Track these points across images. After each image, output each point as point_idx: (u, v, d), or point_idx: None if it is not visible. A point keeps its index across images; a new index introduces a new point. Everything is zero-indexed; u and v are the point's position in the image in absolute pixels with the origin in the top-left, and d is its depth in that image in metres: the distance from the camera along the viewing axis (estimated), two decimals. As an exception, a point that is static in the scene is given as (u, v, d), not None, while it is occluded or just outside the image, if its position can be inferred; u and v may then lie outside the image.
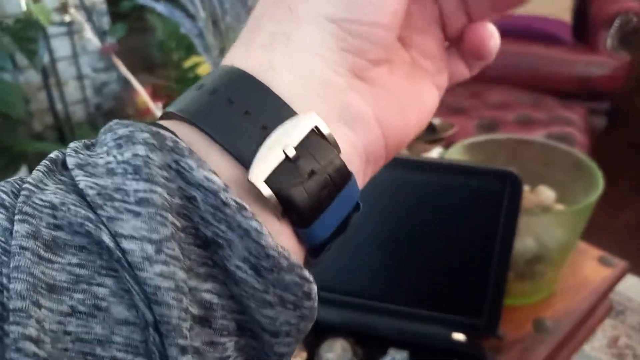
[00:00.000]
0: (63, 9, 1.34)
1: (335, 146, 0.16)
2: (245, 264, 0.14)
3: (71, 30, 1.44)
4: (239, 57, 0.17)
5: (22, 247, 0.13)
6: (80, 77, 1.56)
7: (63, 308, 0.13)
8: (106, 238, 0.14)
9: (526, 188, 0.64)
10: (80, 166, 0.15)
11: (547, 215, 0.58)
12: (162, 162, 0.14)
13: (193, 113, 0.16)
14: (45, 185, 0.15)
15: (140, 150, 0.14)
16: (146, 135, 0.15)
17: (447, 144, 0.77)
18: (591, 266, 0.68)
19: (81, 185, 0.14)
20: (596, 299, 0.64)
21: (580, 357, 1.12)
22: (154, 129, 0.15)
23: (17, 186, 0.15)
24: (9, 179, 0.16)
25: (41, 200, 0.14)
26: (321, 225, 0.16)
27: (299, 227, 0.16)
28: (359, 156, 0.18)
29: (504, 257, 0.51)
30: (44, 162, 0.16)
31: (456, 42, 0.22)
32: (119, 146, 0.15)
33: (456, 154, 0.62)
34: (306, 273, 0.15)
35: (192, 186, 0.14)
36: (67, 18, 1.37)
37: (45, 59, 1.43)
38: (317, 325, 0.51)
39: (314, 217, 0.16)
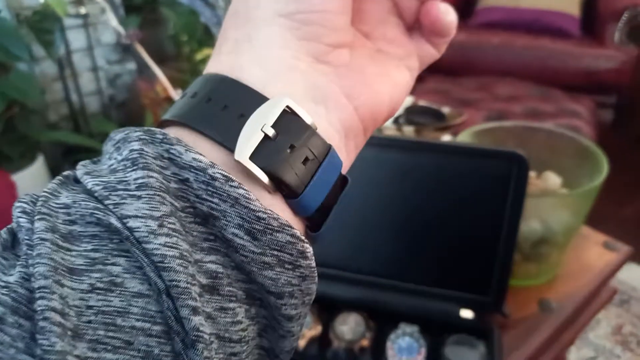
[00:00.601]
0: (79, 1, 1.37)
1: (308, 122, 0.18)
2: (240, 230, 0.16)
3: (86, 22, 1.46)
4: (212, 66, 0.19)
5: (42, 239, 0.15)
6: (94, 69, 1.59)
7: (83, 286, 0.15)
8: (114, 220, 0.15)
9: (533, 174, 0.66)
10: (88, 174, 0.17)
11: (552, 199, 0.60)
12: (155, 153, 0.16)
13: (179, 115, 0.18)
14: (60, 193, 0.17)
15: (135, 145, 0.16)
16: (139, 133, 0.17)
17: (456, 131, 0.79)
18: (595, 250, 0.69)
19: (89, 185, 0.16)
20: (600, 282, 0.66)
21: (585, 344, 1.14)
22: (145, 128, 0.17)
23: (36, 196, 0.17)
24: (28, 193, 0.17)
25: (56, 203, 0.16)
26: (310, 194, 0.18)
27: (290, 199, 0.17)
28: (336, 131, 0.19)
29: (510, 237, 0.53)
30: (58, 177, 0.18)
31: (417, 26, 0.23)
32: (118, 149, 0.17)
33: (465, 140, 0.64)
34: (297, 232, 0.16)
35: (184, 169, 0.16)
36: (82, 10, 1.40)
37: (61, 50, 1.46)
38: (332, 301, 0.54)
39: (301, 187, 0.17)
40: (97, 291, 0.15)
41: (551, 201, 0.59)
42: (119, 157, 0.17)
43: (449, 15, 0.21)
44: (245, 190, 0.16)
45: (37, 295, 0.14)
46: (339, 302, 0.55)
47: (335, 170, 0.18)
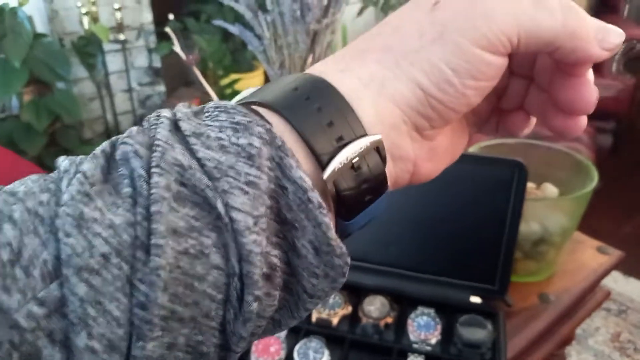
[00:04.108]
0: (118, 28, 1.49)
1: (384, 169, 0.20)
2: (309, 245, 0.18)
3: (124, 47, 1.59)
4: (333, 75, 0.20)
5: (162, 197, 0.16)
6: (128, 90, 1.71)
7: (179, 248, 0.16)
8: (220, 206, 0.17)
9: (533, 185, 0.74)
10: (196, 135, 0.18)
11: (548, 202, 0.69)
12: (269, 155, 0.17)
13: (289, 112, 0.19)
14: (173, 146, 0.17)
15: (256, 142, 0.17)
16: (261, 130, 0.18)
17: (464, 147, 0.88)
18: (590, 253, 0.76)
19: (199, 154, 0.17)
20: (593, 280, 0.73)
21: (585, 349, 1.21)
22: (267, 125, 0.18)
23: (148, 139, 0.18)
24: (137, 131, 0.18)
25: (172, 158, 0.17)
26: (355, 222, 0.20)
27: (341, 219, 0.20)
28: (389, 183, 0.21)
29: (512, 234, 0.61)
30: (165, 120, 0.18)
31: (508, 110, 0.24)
32: (235, 130, 0.18)
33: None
34: (349, 260, 0.19)
35: (287, 180, 0.17)
36: (121, 36, 1.52)
37: (101, 72, 1.58)
38: (360, 287, 0.63)
39: (354, 215, 0.20)
40: (189, 255, 0.16)
41: (548, 204, 0.68)
42: (233, 139, 0.18)
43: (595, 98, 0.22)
44: (329, 220, 0.18)
45: (154, 251, 0.16)
46: (367, 288, 0.63)
47: (379, 210, 0.21)
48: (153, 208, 0.16)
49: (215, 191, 0.17)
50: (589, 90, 0.21)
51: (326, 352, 0.56)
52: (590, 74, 0.21)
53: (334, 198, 0.19)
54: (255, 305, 0.17)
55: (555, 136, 0.23)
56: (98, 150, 0.18)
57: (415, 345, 0.58)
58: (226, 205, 0.17)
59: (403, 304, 0.62)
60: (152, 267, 0.16)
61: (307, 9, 0.67)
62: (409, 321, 0.59)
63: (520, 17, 0.19)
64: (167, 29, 0.81)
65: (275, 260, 0.18)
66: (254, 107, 0.19)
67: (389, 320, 0.60)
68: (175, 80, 1.76)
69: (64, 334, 0.15)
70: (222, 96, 1.58)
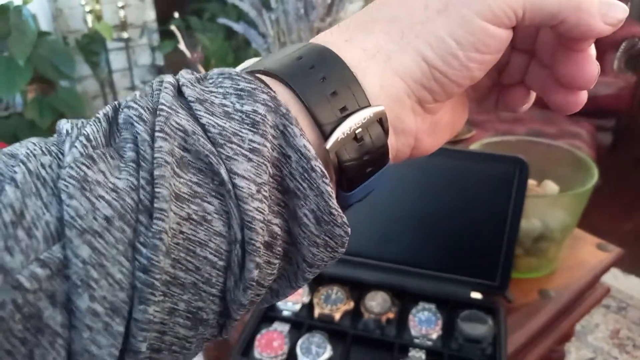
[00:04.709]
0: (122, 26, 1.50)
1: (386, 141, 0.20)
2: (311, 214, 0.18)
3: (127, 45, 1.59)
4: (338, 45, 0.20)
5: (165, 162, 0.16)
6: (132, 88, 1.72)
7: (182, 214, 0.16)
8: (223, 172, 0.17)
9: (534, 182, 0.75)
10: (200, 101, 0.17)
11: (549, 198, 0.69)
12: (273, 122, 0.17)
13: (293, 80, 0.19)
14: (177, 111, 0.17)
15: (261, 109, 0.17)
16: (266, 97, 0.17)
17: (466, 145, 0.89)
18: (590, 250, 0.77)
19: (203, 120, 0.17)
20: (593, 276, 0.73)
21: (585, 345, 1.22)
22: (272, 93, 0.18)
23: (151, 104, 0.17)
24: (142, 95, 0.18)
25: (176, 123, 0.17)
26: (356, 193, 0.20)
27: (342, 191, 0.20)
28: (391, 156, 0.21)
29: (513, 230, 0.62)
30: (168, 85, 0.18)
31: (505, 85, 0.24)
32: (240, 97, 0.17)
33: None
34: (349, 230, 0.19)
35: (291, 148, 0.17)
36: (124, 34, 1.53)
37: (105, 70, 1.59)
38: (362, 283, 0.63)
39: (355, 186, 0.20)
40: (191, 221, 0.16)
41: (548, 201, 0.69)
42: (237, 106, 0.17)
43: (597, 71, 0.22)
44: (331, 189, 0.18)
45: (157, 215, 0.16)
46: (369, 284, 0.64)
47: (380, 183, 0.21)
48: (156, 172, 0.16)
49: (219, 157, 0.17)
50: (591, 65, 0.21)
51: (328, 347, 0.57)
52: (592, 49, 0.21)
53: (336, 168, 0.19)
54: (255, 272, 0.17)
55: (556, 111, 0.23)
56: (101, 113, 0.18)
57: (416, 340, 0.58)
58: (230, 171, 0.17)
59: (404, 300, 0.63)
60: (155, 230, 0.16)
61: (311, 7, 0.68)
62: (411, 316, 0.60)
63: None
64: (172, 27, 0.81)
65: (277, 229, 0.18)
66: (258, 75, 0.19)
67: (391, 315, 0.60)
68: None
69: (66, 296, 0.15)
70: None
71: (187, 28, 1.70)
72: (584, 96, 0.22)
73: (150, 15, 1.67)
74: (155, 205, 0.16)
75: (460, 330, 0.58)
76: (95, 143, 0.17)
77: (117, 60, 1.63)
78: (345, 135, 0.18)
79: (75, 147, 0.16)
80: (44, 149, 0.17)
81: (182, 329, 0.17)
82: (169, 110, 0.17)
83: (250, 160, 0.17)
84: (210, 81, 0.19)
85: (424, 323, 0.59)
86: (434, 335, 0.58)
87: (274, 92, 0.18)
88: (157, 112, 0.17)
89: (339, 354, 0.57)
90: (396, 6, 0.20)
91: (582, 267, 0.74)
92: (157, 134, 0.16)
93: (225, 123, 0.17)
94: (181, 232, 0.16)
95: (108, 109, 0.18)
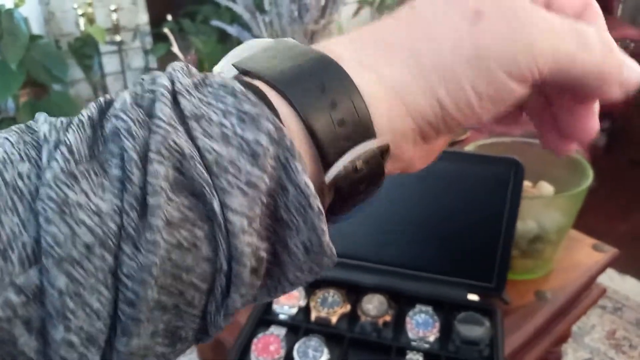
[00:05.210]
0: (115, 30, 1.49)
1: (383, 171, 0.19)
2: (301, 245, 0.17)
3: (120, 49, 1.59)
4: (353, 66, 0.18)
5: (161, 188, 0.15)
6: (125, 91, 1.71)
7: (173, 241, 0.15)
8: (216, 205, 0.16)
9: (529, 183, 0.75)
10: (196, 118, 0.16)
11: (544, 200, 0.69)
12: (275, 153, 0.16)
13: (300, 102, 0.17)
14: (176, 127, 0.16)
15: (264, 140, 0.16)
16: (271, 127, 0.16)
17: (461, 147, 0.89)
18: (585, 251, 0.77)
19: (199, 142, 0.16)
20: (589, 277, 0.74)
21: (581, 347, 1.22)
22: (277, 122, 0.16)
23: (142, 115, 0.16)
24: (132, 101, 0.16)
25: (174, 143, 0.16)
26: (344, 217, 0.20)
27: (331, 214, 0.19)
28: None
29: (509, 232, 0.62)
30: (163, 90, 0.16)
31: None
32: (242, 120, 0.16)
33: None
34: (336, 258, 0.18)
35: (290, 182, 0.17)
36: (117, 38, 1.52)
37: (97, 74, 1.58)
38: (359, 286, 0.63)
39: (345, 211, 0.19)
40: (180, 248, 0.16)
41: (544, 202, 0.69)
42: (238, 131, 0.16)
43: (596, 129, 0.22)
44: (325, 225, 0.17)
45: (148, 247, 0.15)
46: (366, 286, 0.64)
47: (363, 209, 0.20)
48: (151, 200, 0.15)
49: (214, 189, 0.16)
50: (592, 121, 0.21)
51: (325, 351, 0.57)
52: (596, 106, 0.21)
53: (329, 195, 0.18)
54: (239, 302, 0.17)
55: (544, 148, 0.23)
56: (85, 116, 0.17)
57: (413, 343, 0.58)
58: (223, 204, 0.16)
59: (401, 302, 0.63)
60: (145, 264, 0.15)
61: (305, 10, 0.68)
62: (407, 319, 0.60)
63: (559, 52, 0.18)
64: (165, 30, 0.81)
65: (264, 254, 0.17)
66: (257, 82, 0.18)
67: (388, 318, 0.60)
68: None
69: (42, 322, 0.15)
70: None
71: (180, 31, 1.70)
72: (574, 146, 0.22)
73: (143, 18, 1.66)
74: (148, 236, 0.15)
75: (458, 332, 0.58)
76: (77, 156, 0.16)
77: (110, 63, 1.62)
78: (346, 168, 0.18)
79: (56, 160, 0.15)
80: (22, 154, 0.16)
81: (161, 347, 0.17)
82: (168, 128, 0.16)
83: (245, 194, 0.16)
84: (210, 90, 0.17)
85: (421, 325, 0.59)
86: (431, 338, 0.58)
87: (280, 118, 0.17)
88: (153, 128, 0.16)
89: (336, 357, 0.57)
90: (422, 36, 0.19)
91: (578, 268, 0.74)
92: (153, 154, 0.15)
93: (222, 149, 0.16)
94: (169, 259, 0.15)
95: (93, 110, 0.17)
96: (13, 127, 0.17)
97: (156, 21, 1.65)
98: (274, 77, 0.18)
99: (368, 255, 0.66)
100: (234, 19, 1.58)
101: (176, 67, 0.18)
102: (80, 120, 0.16)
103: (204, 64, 1.66)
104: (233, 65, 0.20)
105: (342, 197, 0.19)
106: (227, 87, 0.17)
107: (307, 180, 0.17)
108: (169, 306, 0.16)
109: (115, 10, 1.54)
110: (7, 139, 0.16)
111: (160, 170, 0.15)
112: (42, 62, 1.29)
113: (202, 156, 0.16)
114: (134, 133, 0.16)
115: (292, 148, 0.17)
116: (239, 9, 0.73)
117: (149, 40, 1.70)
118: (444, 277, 0.64)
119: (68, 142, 0.16)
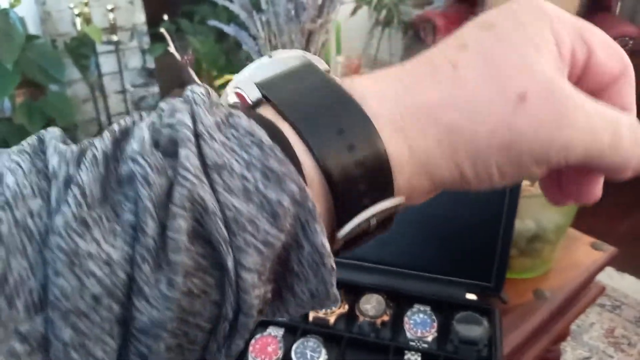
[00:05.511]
0: (111, 29, 1.49)
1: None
2: (308, 292, 0.18)
3: (117, 48, 1.58)
4: (387, 130, 0.18)
5: (185, 248, 0.15)
6: (122, 92, 1.71)
7: (184, 289, 0.15)
8: (230, 263, 0.16)
9: (527, 182, 0.75)
10: (218, 168, 0.16)
11: (542, 199, 0.69)
12: (295, 213, 0.16)
13: (328, 161, 0.17)
14: (202, 180, 0.15)
15: (286, 201, 0.16)
16: (295, 188, 0.16)
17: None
18: (584, 250, 0.77)
19: (221, 198, 0.15)
20: (588, 276, 0.73)
21: (580, 345, 1.22)
22: (302, 184, 0.16)
23: (161, 161, 0.15)
24: (150, 142, 0.16)
25: (200, 197, 0.15)
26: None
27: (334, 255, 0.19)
28: None
29: (507, 231, 0.61)
30: (186, 131, 0.16)
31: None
32: (266, 177, 0.16)
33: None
34: (339, 301, 0.21)
35: (307, 240, 0.17)
36: (114, 37, 1.52)
37: (94, 74, 1.57)
38: (357, 285, 0.63)
39: (348, 251, 0.20)
40: (192, 295, 0.16)
41: (542, 201, 0.68)
42: (261, 188, 0.16)
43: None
44: (335, 279, 0.17)
45: (166, 304, 0.15)
46: (364, 286, 0.63)
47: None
48: (173, 257, 0.15)
49: (230, 246, 0.15)
50: (596, 188, 0.21)
51: (323, 352, 0.56)
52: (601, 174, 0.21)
53: (339, 242, 0.18)
54: (242, 345, 0.17)
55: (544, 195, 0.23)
56: (98, 150, 0.16)
57: (412, 343, 0.58)
58: (237, 262, 0.16)
59: (399, 302, 0.62)
60: (160, 320, 0.15)
61: (302, 9, 0.68)
62: (406, 319, 0.59)
63: (591, 150, 0.18)
64: (162, 30, 0.81)
65: (269, 296, 0.17)
66: (282, 125, 0.17)
67: (386, 318, 0.60)
68: (169, 81, 1.76)
69: None
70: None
71: (178, 30, 1.69)
72: (571, 202, 0.23)
73: (140, 18, 1.66)
74: (165, 291, 0.15)
75: (456, 332, 0.58)
76: (90, 199, 0.15)
77: (107, 63, 1.62)
78: (360, 225, 0.18)
79: (68, 204, 0.15)
80: (34, 186, 0.15)
81: None
82: (194, 181, 0.15)
83: (260, 253, 0.16)
84: (234, 133, 0.16)
85: (419, 325, 0.59)
86: (430, 338, 0.58)
87: (304, 179, 0.16)
88: (179, 179, 0.15)
89: (334, 357, 0.57)
90: (460, 112, 0.18)
91: (577, 266, 0.74)
92: (176, 208, 0.15)
93: (242, 205, 0.16)
94: (179, 306, 0.15)
95: (107, 142, 0.16)
96: (25, 145, 0.17)
97: (153, 21, 1.64)
98: (298, 118, 0.17)
99: (366, 255, 0.65)
100: (232, 18, 1.57)
101: (197, 100, 0.17)
102: (94, 156, 0.16)
103: (202, 63, 1.66)
104: (256, 85, 0.19)
105: (349, 243, 0.19)
106: (254, 136, 0.16)
107: (324, 241, 0.16)
108: (173, 346, 0.16)
109: (112, 10, 1.54)
110: (19, 165, 0.16)
111: (183, 226, 0.15)
112: (38, 62, 1.28)
113: (222, 211, 0.16)
114: (151, 180, 0.15)
115: (313, 210, 0.16)
116: (235, 8, 0.72)
117: (146, 40, 1.70)
118: (442, 277, 0.64)
119: (81, 182, 0.15)
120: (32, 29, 1.51)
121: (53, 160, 0.16)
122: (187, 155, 0.15)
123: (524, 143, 0.18)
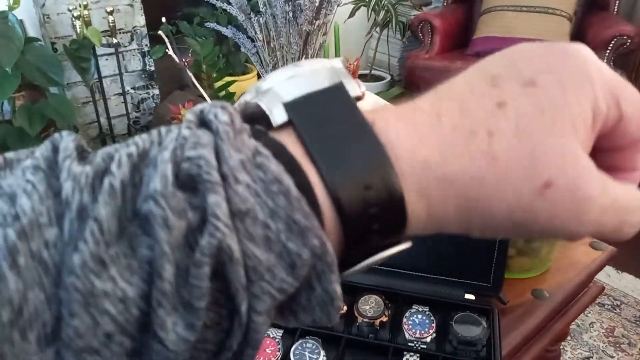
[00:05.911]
0: (111, 32, 1.49)
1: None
2: (311, 319, 0.18)
3: (117, 51, 1.58)
4: (411, 189, 0.18)
5: (207, 291, 0.15)
6: (122, 94, 1.71)
7: (200, 323, 0.16)
8: (243, 308, 0.16)
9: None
10: (241, 216, 0.15)
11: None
12: (312, 264, 0.16)
13: (337, 184, 0.17)
14: (232, 229, 0.15)
15: (306, 254, 0.16)
16: (316, 243, 0.16)
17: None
18: (583, 249, 0.77)
19: (242, 247, 0.16)
20: (587, 275, 0.73)
21: (580, 344, 1.22)
22: (324, 238, 0.16)
23: (182, 202, 0.15)
24: (172, 179, 0.15)
25: (228, 247, 0.15)
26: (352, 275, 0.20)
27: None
28: None
29: (506, 231, 0.62)
30: (214, 175, 0.15)
31: None
32: (289, 229, 0.16)
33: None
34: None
35: (320, 286, 0.17)
36: (114, 40, 1.52)
37: (94, 76, 1.57)
38: (356, 286, 0.63)
39: (347, 278, 0.20)
40: (205, 328, 0.16)
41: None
42: (283, 239, 0.16)
43: None
44: (339, 314, 0.18)
45: (180, 346, 0.15)
46: (362, 286, 0.63)
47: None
48: (196, 304, 0.15)
49: (245, 292, 0.16)
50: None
51: (322, 353, 0.56)
52: None
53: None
54: None
55: None
56: (117, 177, 0.15)
57: (410, 344, 0.58)
58: (250, 307, 0.16)
59: (398, 303, 0.62)
60: (172, 358, 0.15)
61: (300, 11, 0.68)
62: (404, 320, 0.60)
63: (596, 234, 0.19)
64: (160, 32, 0.81)
65: (272, 314, 0.18)
66: (305, 169, 0.17)
67: (384, 319, 0.60)
68: (169, 83, 1.76)
69: None
70: (216, 99, 1.58)
71: (178, 33, 1.69)
72: None
73: (140, 20, 1.66)
74: (188, 337, 0.15)
75: (455, 332, 0.58)
76: (108, 236, 0.15)
77: (107, 66, 1.62)
78: (365, 267, 0.19)
79: (85, 241, 0.14)
80: (51, 214, 0.15)
81: None
82: (225, 231, 0.15)
83: (274, 299, 0.16)
84: (261, 176, 0.16)
85: (418, 326, 0.59)
86: (428, 338, 0.58)
87: (326, 233, 0.17)
88: (210, 227, 0.15)
89: (333, 359, 0.57)
90: (484, 189, 0.18)
91: (576, 266, 0.74)
92: (203, 257, 0.15)
93: (262, 254, 0.16)
94: (197, 338, 0.16)
95: (125, 168, 0.15)
96: (39, 158, 0.16)
97: (153, 23, 1.65)
98: (328, 167, 0.17)
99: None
100: (231, 20, 1.58)
101: (222, 132, 0.16)
102: (112, 186, 0.15)
103: (201, 65, 1.66)
104: (284, 106, 0.18)
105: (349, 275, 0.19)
106: (282, 184, 0.16)
107: (337, 288, 0.17)
108: None
109: (111, 13, 1.54)
110: (34, 187, 0.15)
111: (207, 273, 0.15)
112: (38, 65, 1.29)
113: (246, 259, 0.16)
114: (171, 224, 0.15)
115: (331, 264, 0.17)
116: (233, 10, 0.73)
117: (146, 42, 1.70)
118: (441, 277, 0.64)
119: (98, 217, 0.15)
120: (32, 31, 1.52)
121: (67, 186, 0.15)
122: (218, 203, 0.15)
123: (537, 225, 0.18)
